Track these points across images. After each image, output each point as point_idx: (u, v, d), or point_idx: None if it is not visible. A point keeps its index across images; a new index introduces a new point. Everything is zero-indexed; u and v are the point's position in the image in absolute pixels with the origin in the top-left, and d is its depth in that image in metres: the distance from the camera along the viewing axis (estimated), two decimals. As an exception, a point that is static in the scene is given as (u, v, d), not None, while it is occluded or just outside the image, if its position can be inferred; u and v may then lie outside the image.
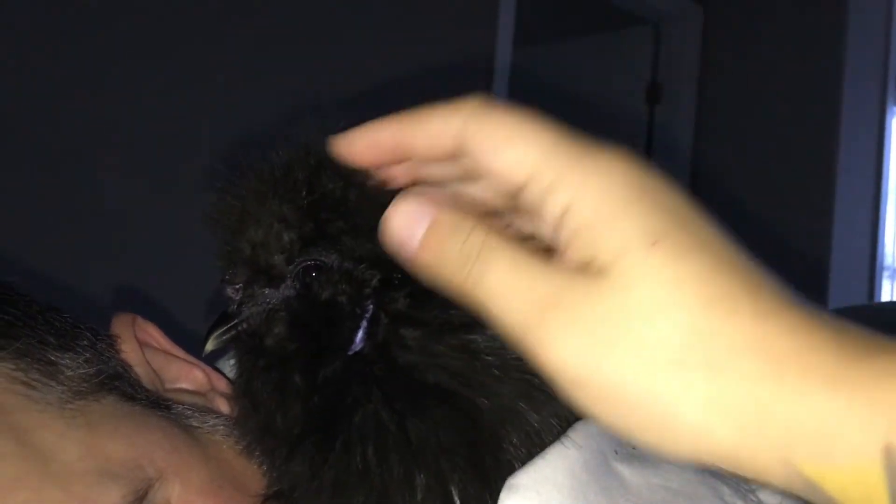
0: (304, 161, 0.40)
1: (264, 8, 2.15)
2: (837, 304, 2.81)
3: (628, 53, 3.35)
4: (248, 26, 2.13)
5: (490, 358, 0.38)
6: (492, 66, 2.65)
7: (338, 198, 0.39)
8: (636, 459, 0.40)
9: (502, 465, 0.38)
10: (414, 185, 0.37)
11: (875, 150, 3.10)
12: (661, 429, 0.28)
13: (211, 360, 0.58)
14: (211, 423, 0.53)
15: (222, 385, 0.57)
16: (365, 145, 0.36)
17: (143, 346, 0.56)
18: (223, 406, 0.55)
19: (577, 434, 0.38)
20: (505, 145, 0.31)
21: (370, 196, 0.38)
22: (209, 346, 0.41)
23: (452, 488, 0.37)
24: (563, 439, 0.38)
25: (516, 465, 0.38)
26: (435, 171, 0.36)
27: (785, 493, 0.29)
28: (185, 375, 0.57)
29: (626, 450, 0.40)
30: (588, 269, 0.29)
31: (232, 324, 0.41)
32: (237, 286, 0.41)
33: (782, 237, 2.91)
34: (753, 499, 0.41)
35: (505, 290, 0.30)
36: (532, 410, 0.38)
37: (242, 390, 0.42)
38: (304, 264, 0.39)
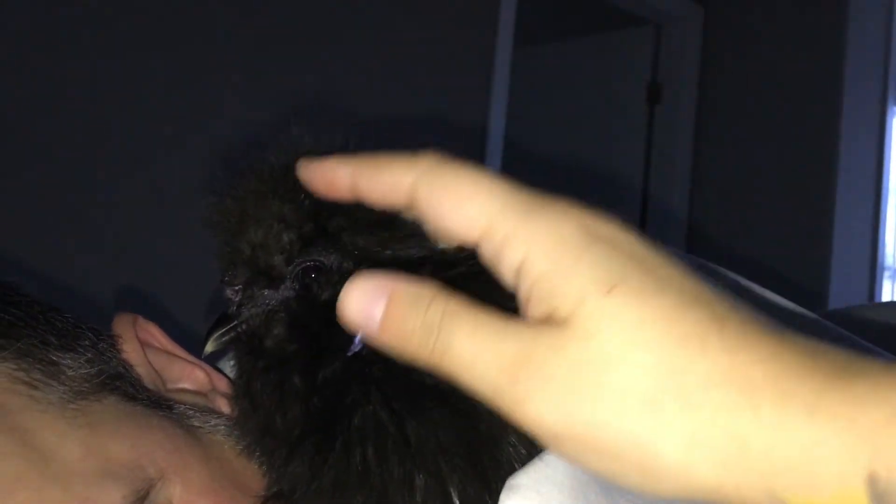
0: (305, 158, 0.40)
1: (264, 7, 2.15)
2: (837, 304, 2.81)
3: (628, 53, 3.35)
4: (249, 26, 2.13)
5: None
6: (492, 66, 2.65)
7: None
8: None
9: (501, 466, 0.38)
10: None
11: (875, 149, 3.10)
12: (643, 471, 0.28)
13: (212, 360, 0.58)
14: (212, 423, 0.53)
15: (223, 385, 0.57)
16: (323, 180, 0.35)
17: (144, 346, 0.56)
18: (224, 406, 0.55)
19: None
20: (456, 206, 0.31)
21: None
22: (208, 347, 0.41)
23: (452, 489, 0.37)
24: None
25: (516, 466, 0.38)
26: None
27: None
28: (186, 375, 0.57)
29: None
30: (551, 321, 0.29)
31: (231, 325, 0.41)
32: (237, 287, 0.41)
33: (783, 237, 2.92)
34: None
35: (472, 357, 0.30)
36: None
37: (242, 391, 0.42)
38: (303, 265, 0.39)
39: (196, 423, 0.53)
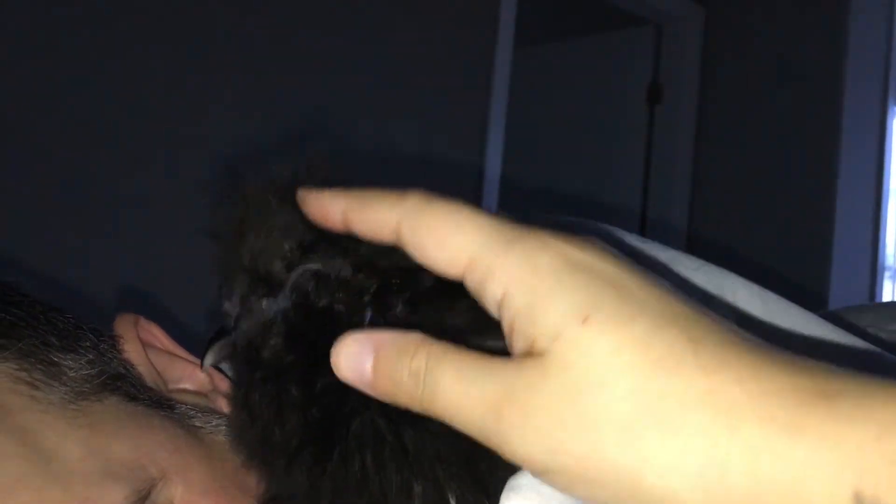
0: (310, 173, 0.40)
1: (264, 8, 2.15)
2: (838, 304, 2.81)
3: (629, 54, 3.35)
4: (251, 22, 2.13)
5: None
6: (492, 66, 2.65)
7: None
8: None
9: (499, 472, 0.38)
10: None
11: (876, 149, 3.10)
12: (630, 498, 0.28)
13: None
14: (214, 423, 0.53)
15: (225, 386, 0.57)
16: (319, 212, 0.37)
17: (145, 347, 0.56)
18: (225, 407, 0.55)
19: None
20: (439, 244, 0.32)
21: None
22: (207, 361, 0.41)
23: (450, 496, 0.38)
24: None
25: (514, 472, 0.38)
26: None
27: None
28: (187, 376, 0.57)
29: None
30: (532, 354, 0.30)
31: (229, 339, 0.41)
32: (234, 300, 0.41)
33: (783, 238, 2.92)
34: None
35: (457, 399, 0.31)
36: None
37: (241, 404, 0.42)
38: (301, 274, 0.39)
39: (197, 424, 0.53)
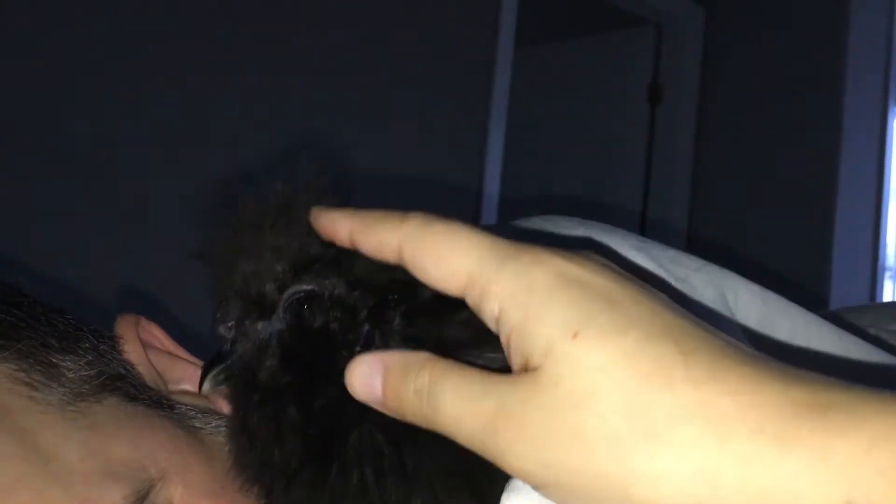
0: (304, 195, 0.40)
1: (264, 9, 2.16)
2: (838, 304, 2.81)
3: (629, 54, 3.35)
4: (248, 28, 2.13)
5: None
6: (493, 66, 2.65)
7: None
8: None
9: (499, 487, 0.38)
10: None
11: (876, 149, 3.10)
12: None
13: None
14: (214, 424, 0.53)
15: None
16: (327, 229, 0.38)
17: (146, 347, 0.56)
18: (225, 407, 0.55)
19: None
20: (438, 264, 0.34)
21: None
22: (205, 387, 0.41)
23: None
24: None
25: None
26: None
27: None
28: (188, 376, 0.57)
29: None
30: (527, 369, 0.30)
31: (226, 363, 0.41)
32: (230, 324, 0.41)
33: (784, 238, 2.92)
34: None
35: (457, 414, 0.32)
36: None
37: (239, 428, 0.41)
38: (295, 296, 0.39)
39: (198, 424, 0.53)
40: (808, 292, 2.73)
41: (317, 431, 0.39)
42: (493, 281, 0.32)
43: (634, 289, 0.31)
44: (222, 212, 0.41)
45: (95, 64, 1.90)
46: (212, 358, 0.41)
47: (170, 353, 0.58)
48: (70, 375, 0.49)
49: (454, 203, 2.54)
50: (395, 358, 0.35)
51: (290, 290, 0.39)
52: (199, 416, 0.53)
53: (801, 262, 2.86)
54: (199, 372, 0.57)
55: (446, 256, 0.33)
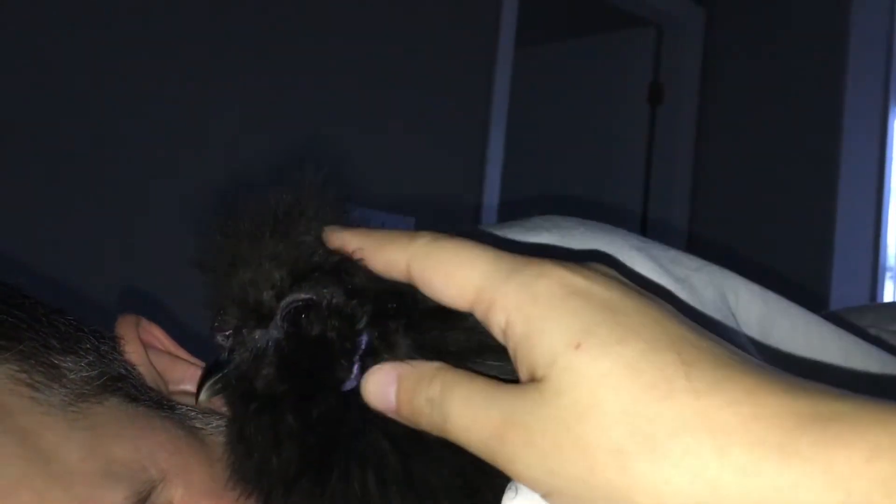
0: (306, 205, 0.40)
1: (264, 9, 2.16)
2: (839, 304, 2.81)
3: (630, 54, 3.35)
4: (249, 29, 2.13)
5: None
6: (493, 66, 2.65)
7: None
8: None
9: (500, 494, 0.37)
10: None
11: (877, 150, 3.10)
12: None
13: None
14: (214, 424, 0.53)
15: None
16: (336, 246, 0.39)
17: (147, 348, 0.56)
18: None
19: None
20: (446, 281, 0.35)
21: None
22: (202, 397, 0.41)
23: None
24: None
25: None
26: None
27: None
28: (189, 377, 0.57)
29: None
30: (533, 380, 0.31)
31: (224, 372, 0.40)
32: (227, 333, 0.41)
33: (784, 238, 2.92)
34: None
35: (466, 423, 0.32)
36: None
37: (236, 438, 0.41)
38: (293, 305, 0.39)
39: (198, 425, 0.53)
40: (808, 292, 2.73)
41: (315, 439, 0.39)
42: (499, 294, 0.32)
43: (638, 299, 0.31)
44: (221, 219, 0.41)
45: (96, 64, 1.90)
46: (209, 367, 0.41)
47: (170, 354, 0.58)
48: (71, 376, 0.49)
49: (454, 203, 2.54)
50: (409, 367, 0.36)
51: (288, 299, 0.39)
52: (199, 416, 0.53)
53: (802, 262, 2.86)
54: (199, 372, 0.57)
55: (454, 273, 0.34)
